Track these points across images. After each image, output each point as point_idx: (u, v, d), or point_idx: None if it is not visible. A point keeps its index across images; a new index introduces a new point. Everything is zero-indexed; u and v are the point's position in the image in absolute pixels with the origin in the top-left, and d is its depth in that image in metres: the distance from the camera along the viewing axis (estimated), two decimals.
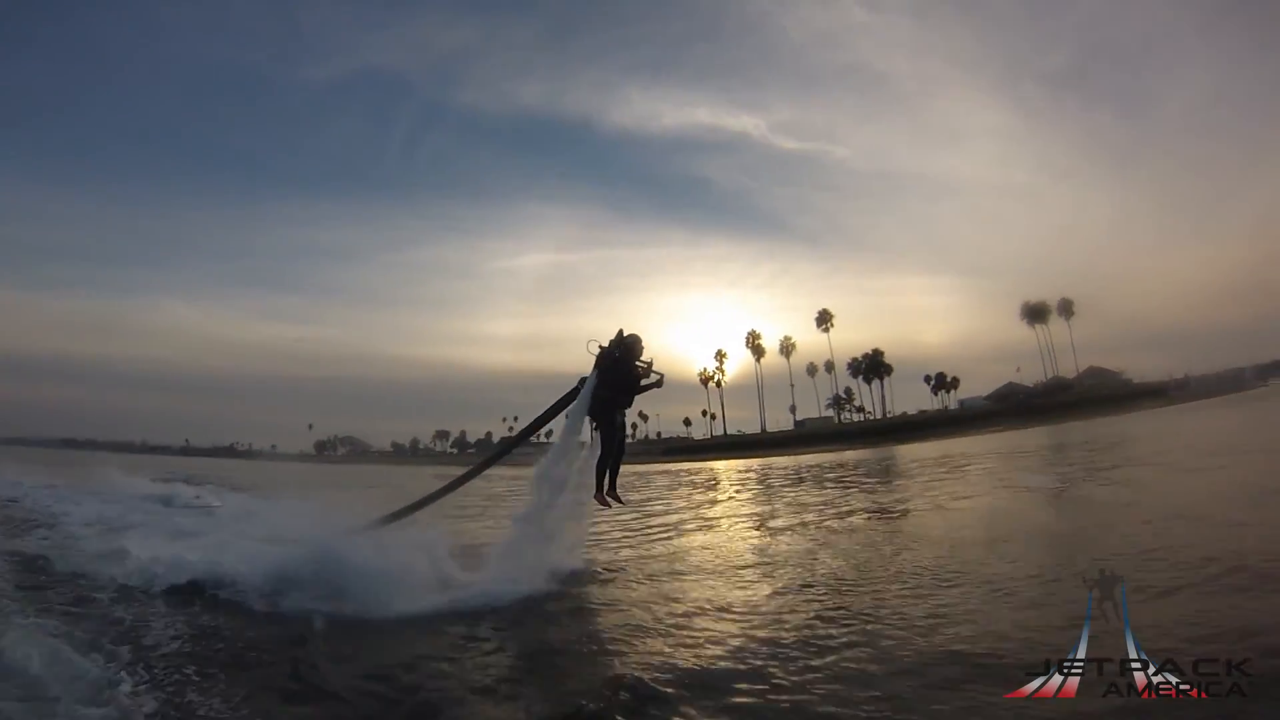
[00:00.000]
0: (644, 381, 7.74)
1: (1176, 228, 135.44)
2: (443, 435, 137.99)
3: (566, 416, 7.85)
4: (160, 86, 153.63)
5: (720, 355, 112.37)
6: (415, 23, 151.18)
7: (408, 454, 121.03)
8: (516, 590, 6.33)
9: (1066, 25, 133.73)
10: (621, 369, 7.56)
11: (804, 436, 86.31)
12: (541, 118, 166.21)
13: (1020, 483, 13.23)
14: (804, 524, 10.21)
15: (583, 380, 7.71)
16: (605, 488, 7.61)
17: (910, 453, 30.91)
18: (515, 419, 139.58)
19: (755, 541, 9.05)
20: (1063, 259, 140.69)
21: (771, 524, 10.65)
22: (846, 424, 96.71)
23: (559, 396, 7.98)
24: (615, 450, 7.65)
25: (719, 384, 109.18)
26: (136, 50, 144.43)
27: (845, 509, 11.68)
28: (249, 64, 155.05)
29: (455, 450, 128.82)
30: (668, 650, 4.63)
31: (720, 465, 38.52)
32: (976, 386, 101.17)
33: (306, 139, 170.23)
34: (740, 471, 28.42)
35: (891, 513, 10.80)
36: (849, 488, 15.74)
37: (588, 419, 7.69)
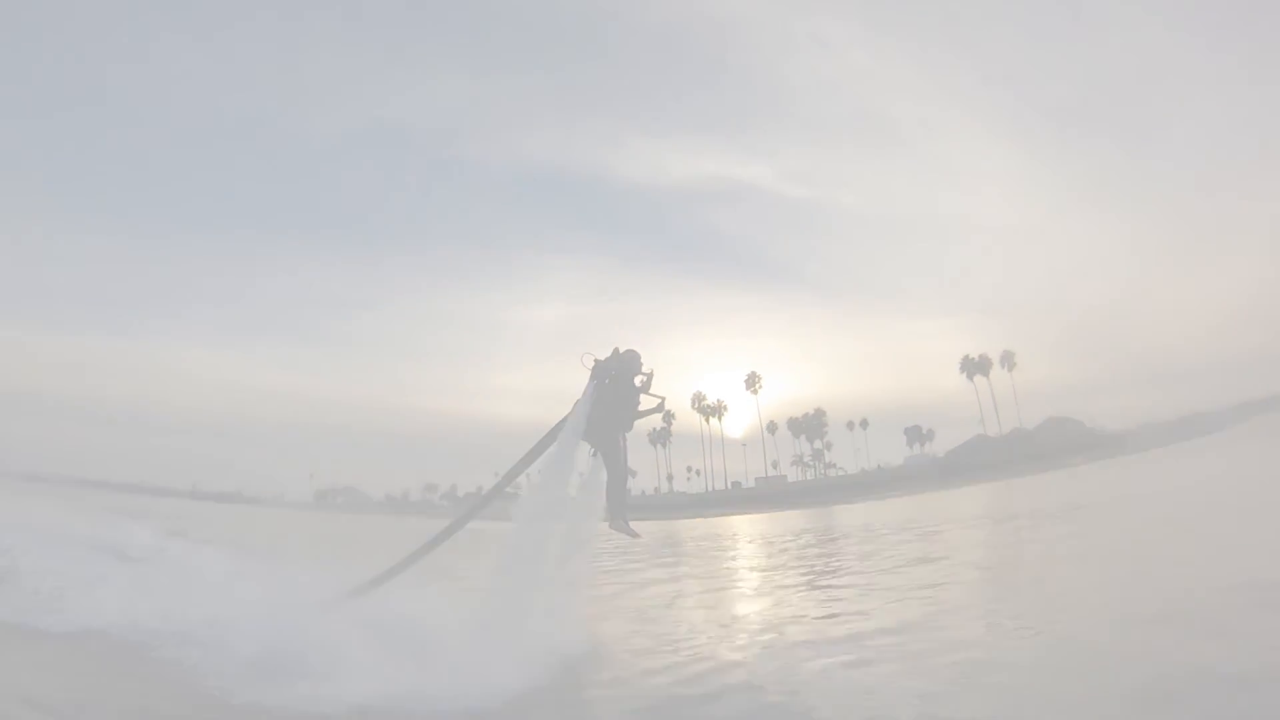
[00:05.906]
0: (643, 406, 7.05)
1: (1185, 255, 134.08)
2: (431, 488, 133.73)
3: (557, 444, 6.98)
4: (168, 134, 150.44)
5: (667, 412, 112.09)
6: (417, 75, 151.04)
7: (399, 506, 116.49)
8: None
9: (1063, 57, 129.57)
10: (619, 387, 6.88)
11: (748, 496, 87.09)
12: (548, 170, 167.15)
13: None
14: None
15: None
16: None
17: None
18: (497, 473, 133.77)
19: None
20: (1074, 294, 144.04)
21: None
22: (779, 483, 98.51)
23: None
24: (619, 475, 6.91)
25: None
26: (149, 98, 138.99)
27: None
28: (256, 114, 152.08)
29: (445, 503, 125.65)
30: None
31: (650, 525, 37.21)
32: (956, 436, 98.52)
33: (315, 189, 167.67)
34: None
35: None
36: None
37: (586, 444, 6.90)
